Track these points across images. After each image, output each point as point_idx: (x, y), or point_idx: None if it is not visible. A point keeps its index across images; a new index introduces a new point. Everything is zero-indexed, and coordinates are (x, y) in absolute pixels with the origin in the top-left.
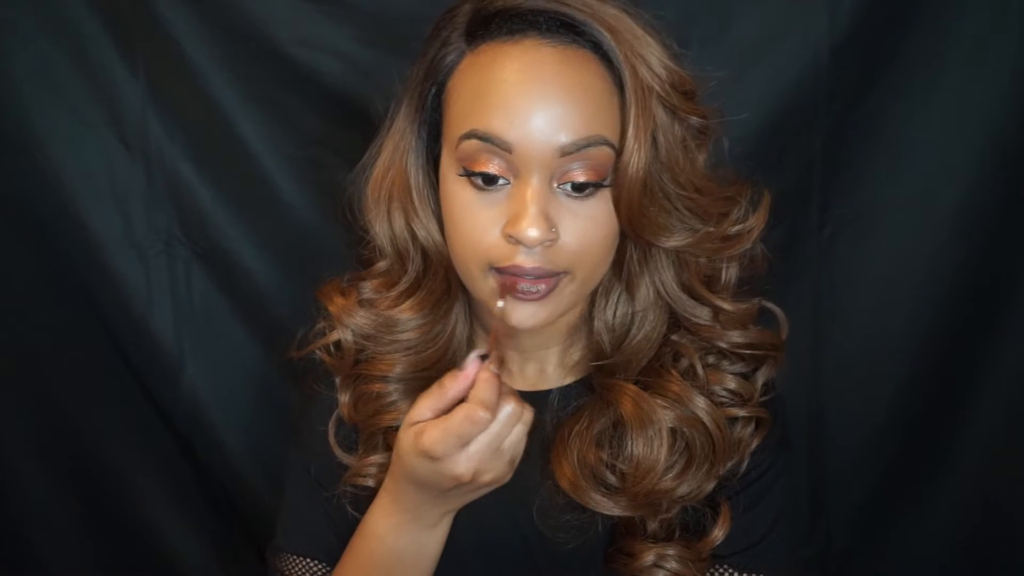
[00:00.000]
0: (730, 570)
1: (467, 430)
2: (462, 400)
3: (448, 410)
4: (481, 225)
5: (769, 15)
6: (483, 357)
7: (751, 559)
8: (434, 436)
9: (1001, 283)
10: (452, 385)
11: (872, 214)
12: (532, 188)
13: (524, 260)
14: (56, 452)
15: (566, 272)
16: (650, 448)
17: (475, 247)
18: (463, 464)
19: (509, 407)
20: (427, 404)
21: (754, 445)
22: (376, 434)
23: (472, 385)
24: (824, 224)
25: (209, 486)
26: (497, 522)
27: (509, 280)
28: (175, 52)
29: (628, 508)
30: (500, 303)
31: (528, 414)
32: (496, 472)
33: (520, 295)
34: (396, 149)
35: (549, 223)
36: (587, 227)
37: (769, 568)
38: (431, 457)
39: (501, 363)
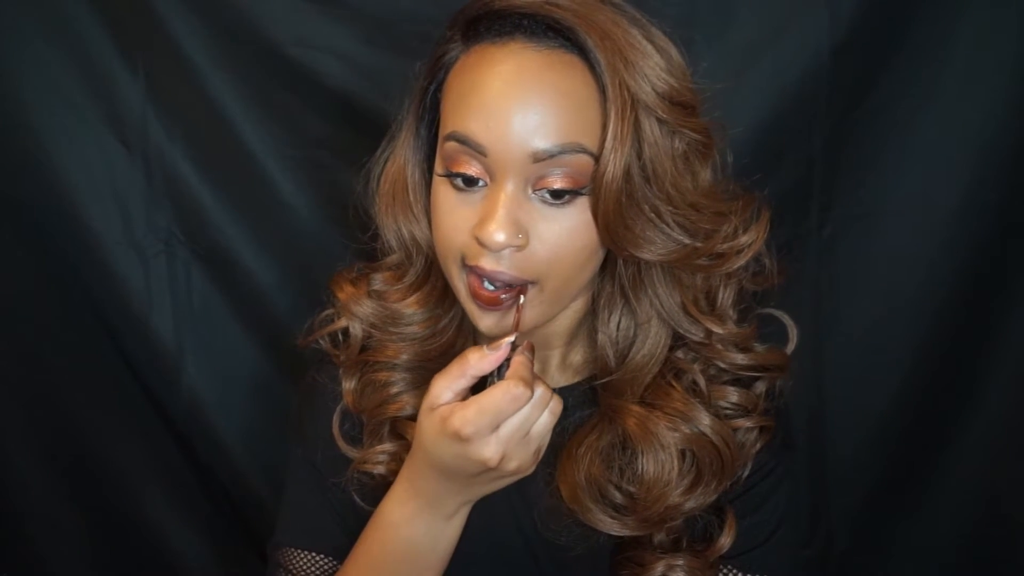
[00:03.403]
0: (734, 570)
1: (505, 406)
2: (482, 380)
3: (466, 389)
4: (455, 225)
5: (770, 15)
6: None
7: (754, 560)
8: (466, 416)
9: (1001, 283)
10: (477, 363)
11: (873, 214)
12: (505, 192)
13: (487, 263)
14: (56, 452)
15: (532, 283)
16: (660, 469)
17: (450, 246)
18: (492, 447)
19: (540, 389)
20: (445, 383)
21: (758, 448)
22: (383, 423)
23: (500, 365)
24: (824, 224)
25: (209, 486)
26: (503, 525)
27: (471, 282)
28: (175, 52)
29: (636, 529)
30: (521, 299)
31: (557, 404)
32: (521, 460)
33: (481, 302)
34: (401, 146)
35: (516, 228)
36: (561, 235)
37: (771, 569)
38: (460, 438)
39: (532, 351)
